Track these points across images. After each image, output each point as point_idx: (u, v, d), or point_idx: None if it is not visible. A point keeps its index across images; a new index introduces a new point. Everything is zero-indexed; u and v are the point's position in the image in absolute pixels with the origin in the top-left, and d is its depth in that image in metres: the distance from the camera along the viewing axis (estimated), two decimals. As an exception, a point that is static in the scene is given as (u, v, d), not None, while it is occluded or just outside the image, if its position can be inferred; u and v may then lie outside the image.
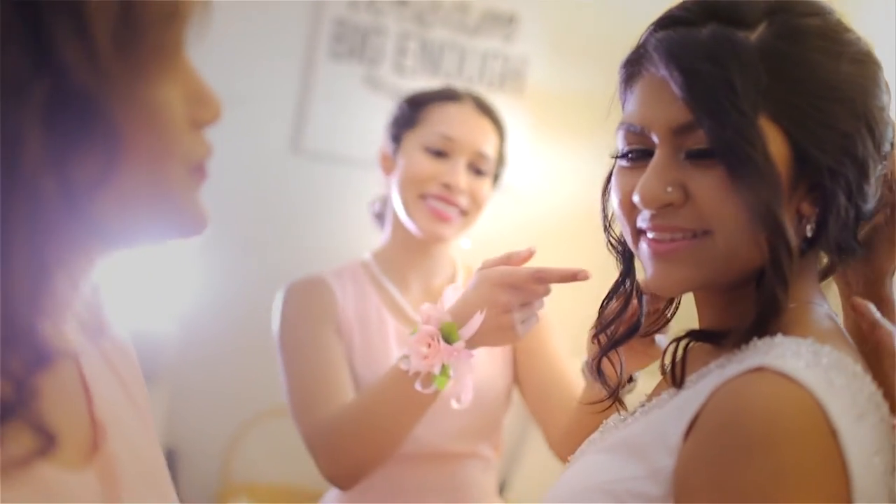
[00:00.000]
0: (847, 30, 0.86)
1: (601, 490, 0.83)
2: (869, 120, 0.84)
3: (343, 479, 1.43)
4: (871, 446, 0.76)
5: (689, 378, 0.86)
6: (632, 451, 0.84)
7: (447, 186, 1.57)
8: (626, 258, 0.99)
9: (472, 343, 1.26)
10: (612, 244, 1.00)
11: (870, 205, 0.87)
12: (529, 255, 1.27)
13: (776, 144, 0.81)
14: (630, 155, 0.89)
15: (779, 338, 0.81)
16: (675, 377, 0.87)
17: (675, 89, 0.83)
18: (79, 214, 0.56)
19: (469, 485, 1.58)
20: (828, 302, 0.90)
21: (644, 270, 0.90)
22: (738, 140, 0.79)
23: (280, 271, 2.81)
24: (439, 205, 1.57)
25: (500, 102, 1.98)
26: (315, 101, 2.86)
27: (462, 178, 1.58)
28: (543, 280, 1.24)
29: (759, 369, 0.77)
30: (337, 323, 1.56)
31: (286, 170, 2.87)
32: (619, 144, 0.90)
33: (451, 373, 1.26)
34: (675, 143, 0.84)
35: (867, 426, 0.77)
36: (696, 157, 0.83)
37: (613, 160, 0.92)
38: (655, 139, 0.86)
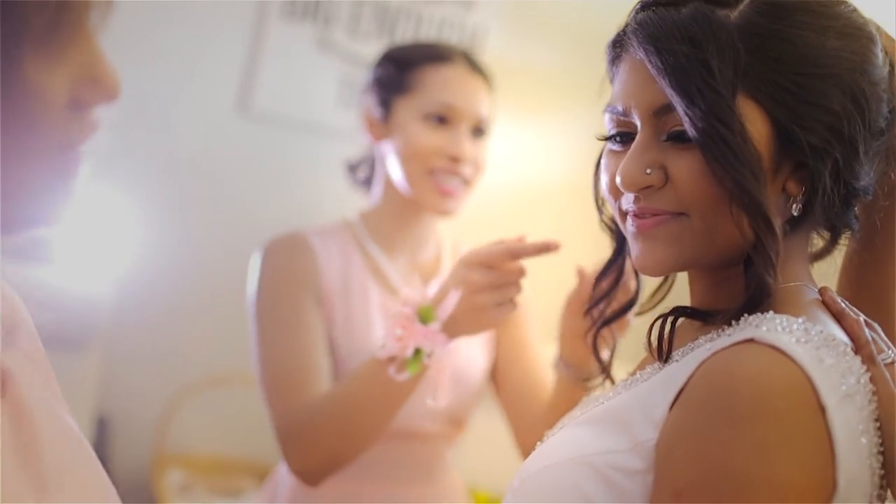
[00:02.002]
0: (838, 3, 0.85)
1: (582, 462, 0.82)
2: (857, 96, 0.82)
3: (311, 475, 1.38)
4: (859, 426, 0.76)
5: (676, 353, 0.86)
6: (614, 423, 0.83)
7: (453, 159, 1.50)
8: (620, 237, 0.99)
9: (449, 329, 1.24)
10: (605, 223, 1.00)
11: (864, 182, 0.85)
12: (520, 241, 1.25)
13: (756, 124, 0.80)
14: (617, 138, 0.89)
15: (770, 314, 0.81)
16: (661, 352, 0.87)
17: (652, 71, 0.82)
18: None
19: (434, 461, 1.56)
20: (815, 284, 0.89)
21: (630, 251, 0.89)
22: (711, 121, 0.79)
23: (223, 236, 2.76)
24: (446, 179, 1.51)
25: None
26: (265, 62, 2.77)
27: (467, 147, 1.52)
28: (514, 255, 1.22)
29: (750, 341, 0.77)
30: (318, 289, 1.49)
31: (232, 131, 2.78)
32: (607, 127, 0.90)
33: (424, 358, 1.24)
34: (656, 124, 0.84)
35: (855, 406, 0.76)
36: (675, 139, 0.83)
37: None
38: (637, 121, 0.86)
